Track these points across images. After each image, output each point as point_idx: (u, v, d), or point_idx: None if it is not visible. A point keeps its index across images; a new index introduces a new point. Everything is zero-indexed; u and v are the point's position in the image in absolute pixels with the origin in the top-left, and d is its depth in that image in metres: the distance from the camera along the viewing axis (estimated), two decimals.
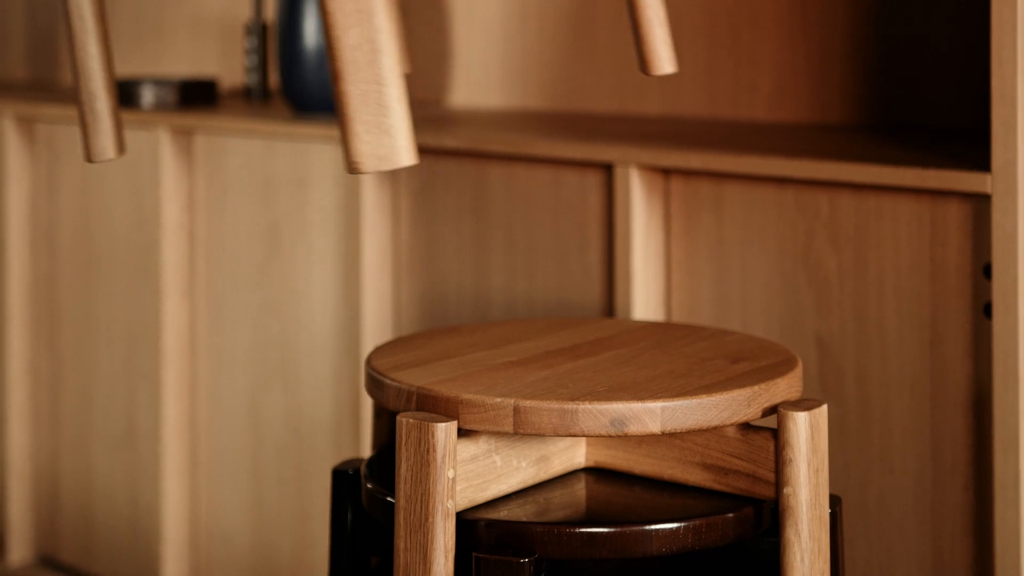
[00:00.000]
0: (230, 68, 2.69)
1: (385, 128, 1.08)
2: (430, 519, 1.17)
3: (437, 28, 2.34)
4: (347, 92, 1.08)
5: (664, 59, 1.32)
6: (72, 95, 2.72)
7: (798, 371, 1.28)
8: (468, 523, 1.20)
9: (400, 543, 1.18)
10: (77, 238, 2.44)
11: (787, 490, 1.20)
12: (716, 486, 1.26)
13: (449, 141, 1.90)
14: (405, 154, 1.08)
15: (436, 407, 1.21)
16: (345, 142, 1.08)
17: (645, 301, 1.72)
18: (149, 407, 2.28)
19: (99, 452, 2.39)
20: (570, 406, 1.18)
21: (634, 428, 1.18)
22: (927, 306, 1.52)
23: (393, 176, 1.98)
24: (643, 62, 1.32)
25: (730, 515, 1.22)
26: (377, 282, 1.99)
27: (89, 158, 1.24)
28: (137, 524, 2.31)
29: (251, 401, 2.16)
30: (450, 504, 1.17)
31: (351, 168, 1.08)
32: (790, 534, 1.20)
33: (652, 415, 1.18)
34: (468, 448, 1.21)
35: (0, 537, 2.58)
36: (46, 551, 2.52)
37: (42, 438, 2.52)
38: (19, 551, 2.54)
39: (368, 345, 1.98)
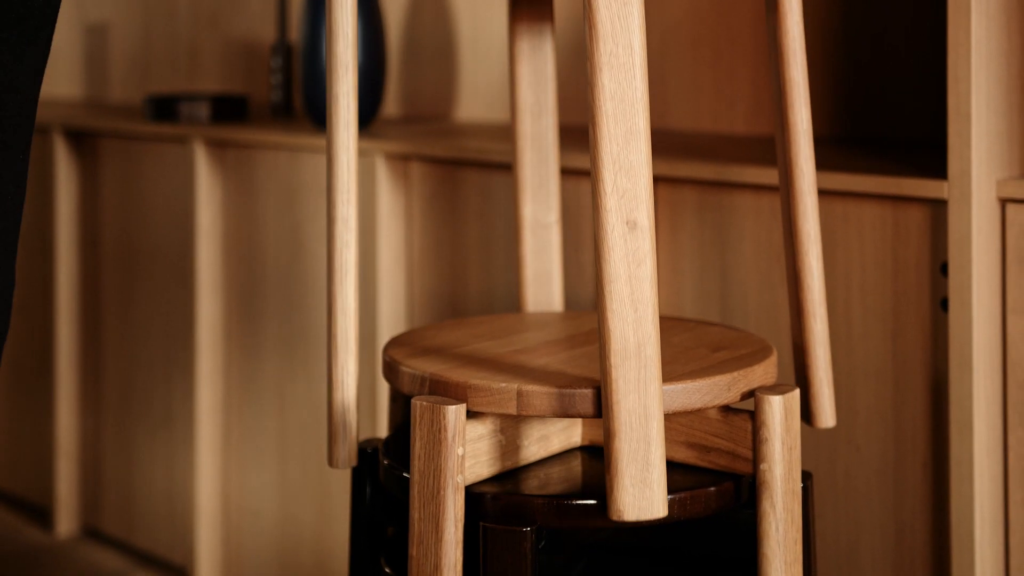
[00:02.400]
0: (257, 86, 2.70)
1: (648, 483, 1.13)
2: (442, 492, 1.17)
3: (445, 50, 2.35)
4: (619, 449, 1.12)
5: (829, 415, 1.37)
6: (116, 110, 2.72)
7: (773, 359, 1.29)
8: (476, 496, 1.21)
9: (415, 514, 1.19)
10: (120, 241, 2.44)
11: (763, 466, 1.21)
12: (699, 463, 1.26)
13: (457, 152, 1.90)
14: (660, 506, 1.13)
15: (447, 391, 1.22)
16: (611, 491, 1.13)
17: None
18: (185, 394, 2.29)
19: (139, 435, 2.40)
20: (568, 391, 1.18)
21: None
22: (889, 301, 1.53)
23: (406, 184, 1.99)
24: (810, 415, 1.37)
25: (712, 489, 1.22)
26: (392, 280, 1.99)
27: (332, 463, 1.29)
28: (174, 500, 2.32)
29: (278, 388, 2.16)
30: (460, 479, 1.18)
31: (615, 515, 1.13)
32: (766, 506, 1.21)
33: None
34: (476, 428, 1.21)
35: (49, 511, 2.58)
36: (91, 524, 2.53)
37: (88, 422, 2.53)
38: (66, 524, 2.55)
39: (384, 336, 1.98)
